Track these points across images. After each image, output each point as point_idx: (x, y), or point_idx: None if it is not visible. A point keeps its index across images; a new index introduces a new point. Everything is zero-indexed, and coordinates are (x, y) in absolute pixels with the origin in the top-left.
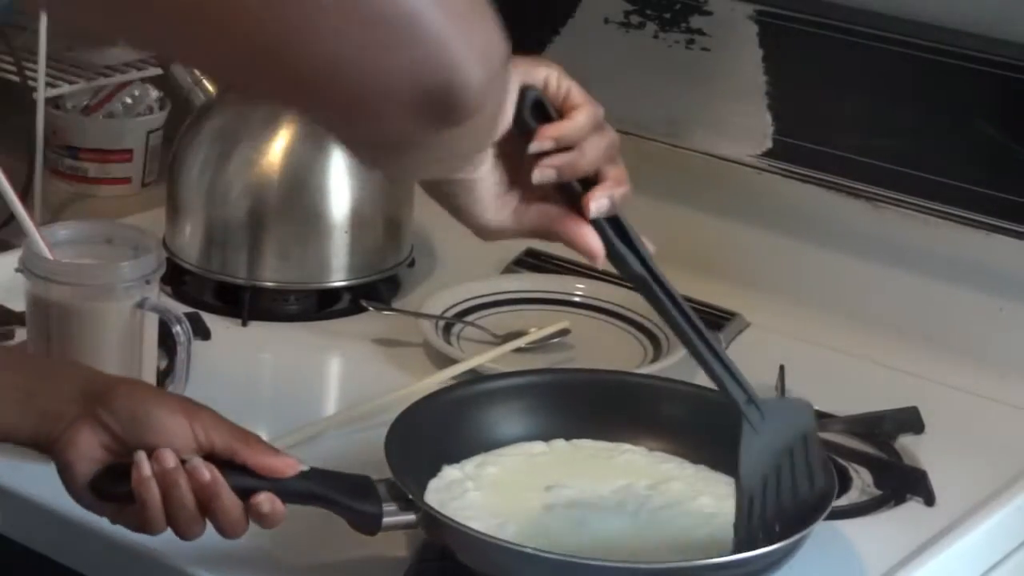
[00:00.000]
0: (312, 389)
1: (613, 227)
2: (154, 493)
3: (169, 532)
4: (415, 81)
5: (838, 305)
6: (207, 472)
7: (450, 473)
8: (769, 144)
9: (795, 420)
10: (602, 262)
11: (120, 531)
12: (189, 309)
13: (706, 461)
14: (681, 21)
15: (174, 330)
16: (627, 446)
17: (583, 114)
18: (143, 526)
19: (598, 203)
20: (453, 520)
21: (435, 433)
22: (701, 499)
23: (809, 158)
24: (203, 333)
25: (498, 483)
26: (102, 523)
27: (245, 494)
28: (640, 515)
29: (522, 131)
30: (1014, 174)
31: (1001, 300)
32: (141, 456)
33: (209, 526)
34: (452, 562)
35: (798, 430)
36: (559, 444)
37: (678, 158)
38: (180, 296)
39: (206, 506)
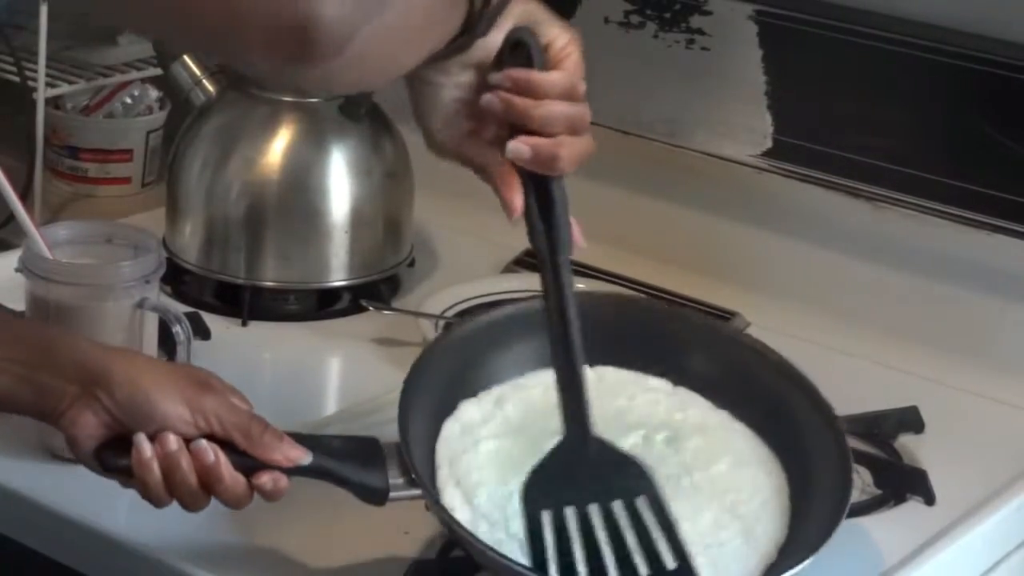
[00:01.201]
0: (312, 389)
1: (544, 197)
2: (155, 475)
3: (168, 531)
4: (268, 18)
5: (838, 305)
6: (211, 454)
7: (467, 411)
8: (769, 144)
9: (626, 475)
10: (513, 219)
11: (120, 531)
12: (189, 309)
13: (731, 408)
14: (681, 21)
15: (174, 330)
16: (652, 380)
17: (558, 75)
18: (147, 499)
19: (516, 147)
20: (457, 523)
21: (453, 366)
22: (717, 466)
23: (809, 158)
24: (203, 333)
25: (512, 428)
26: (102, 523)
27: (248, 471)
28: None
29: (498, 67)
30: (1014, 174)
31: (1001, 300)
32: (141, 439)
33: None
34: (453, 560)
35: (628, 488)
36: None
37: (678, 158)
38: (180, 296)
39: (209, 486)
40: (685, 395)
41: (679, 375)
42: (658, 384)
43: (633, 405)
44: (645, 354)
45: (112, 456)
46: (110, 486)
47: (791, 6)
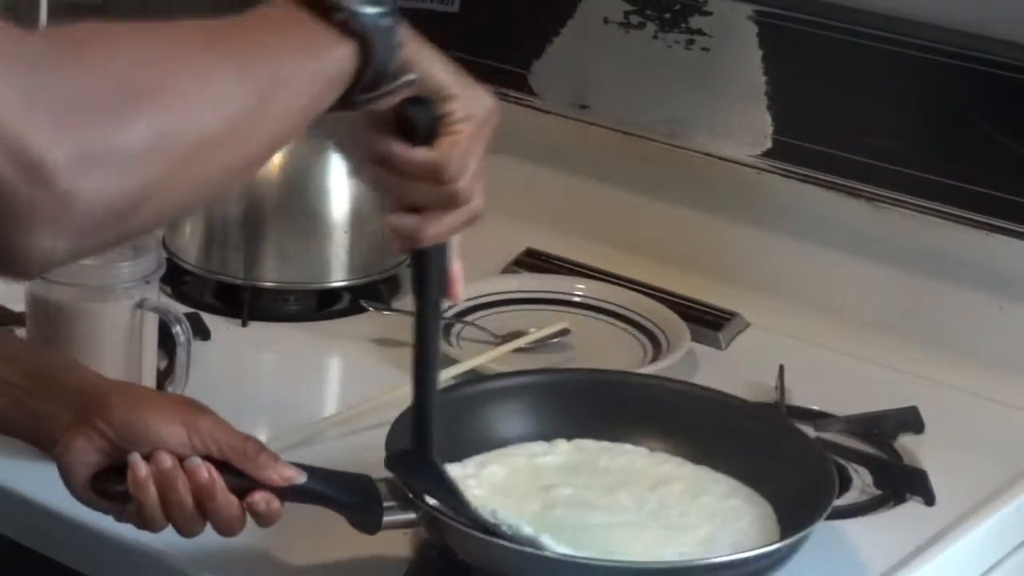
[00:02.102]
0: (312, 389)
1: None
2: (151, 494)
3: (169, 531)
4: None
5: (838, 305)
6: (205, 472)
7: (451, 471)
8: (769, 144)
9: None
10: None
11: (120, 531)
12: (189, 309)
13: (708, 462)
14: (681, 21)
15: (174, 330)
16: (629, 446)
17: (424, 155)
18: (143, 525)
19: (383, 219)
20: (453, 518)
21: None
22: (702, 499)
23: (809, 158)
24: (203, 333)
25: (499, 483)
26: (102, 523)
27: (242, 492)
28: (640, 515)
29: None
30: (1014, 174)
31: (1001, 300)
32: (136, 458)
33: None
34: (452, 561)
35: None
36: (561, 444)
37: (678, 158)
38: (180, 296)
39: (203, 506)
40: (661, 456)
41: (653, 441)
42: (634, 449)
43: (613, 466)
44: (619, 425)
45: (108, 482)
46: None
47: (791, 6)
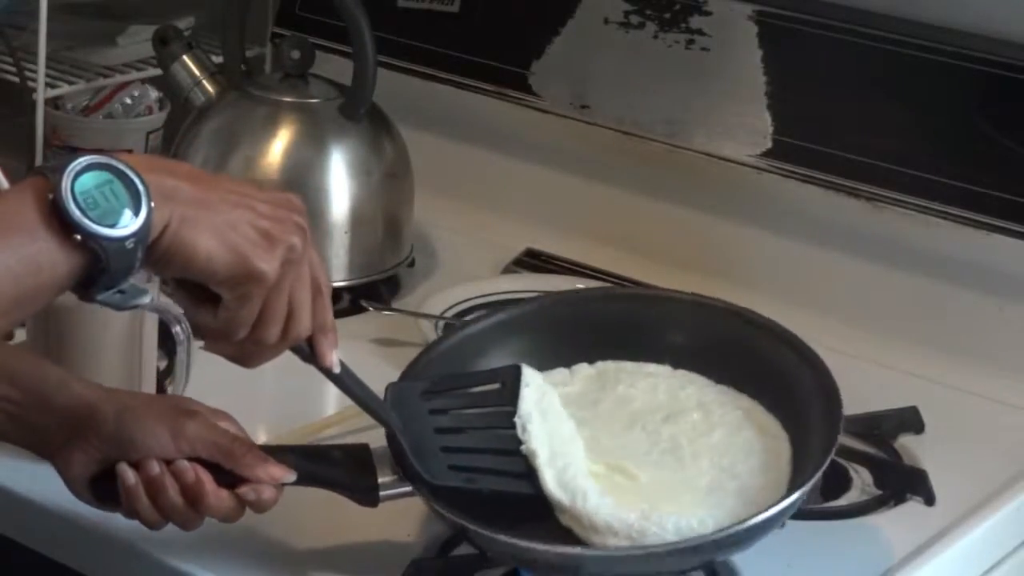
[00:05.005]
0: (312, 389)
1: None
2: (143, 501)
3: (169, 529)
4: None
5: (838, 305)
6: (192, 474)
7: None
8: (769, 144)
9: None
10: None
11: (120, 531)
12: None
13: (728, 380)
14: (681, 21)
15: (174, 330)
16: (651, 366)
17: (210, 323)
18: (145, 524)
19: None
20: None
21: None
22: (715, 434)
23: (809, 158)
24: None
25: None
26: (102, 523)
27: (234, 485)
28: (651, 455)
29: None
30: (1014, 174)
31: (1001, 300)
32: (123, 467)
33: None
34: (453, 559)
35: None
36: (582, 370)
37: (678, 158)
38: None
39: (195, 505)
40: (684, 376)
41: (676, 358)
42: (657, 369)
43: (633, 392)
44: (640, 343)
45: (106, 487)
46: None
47: (791, 6)
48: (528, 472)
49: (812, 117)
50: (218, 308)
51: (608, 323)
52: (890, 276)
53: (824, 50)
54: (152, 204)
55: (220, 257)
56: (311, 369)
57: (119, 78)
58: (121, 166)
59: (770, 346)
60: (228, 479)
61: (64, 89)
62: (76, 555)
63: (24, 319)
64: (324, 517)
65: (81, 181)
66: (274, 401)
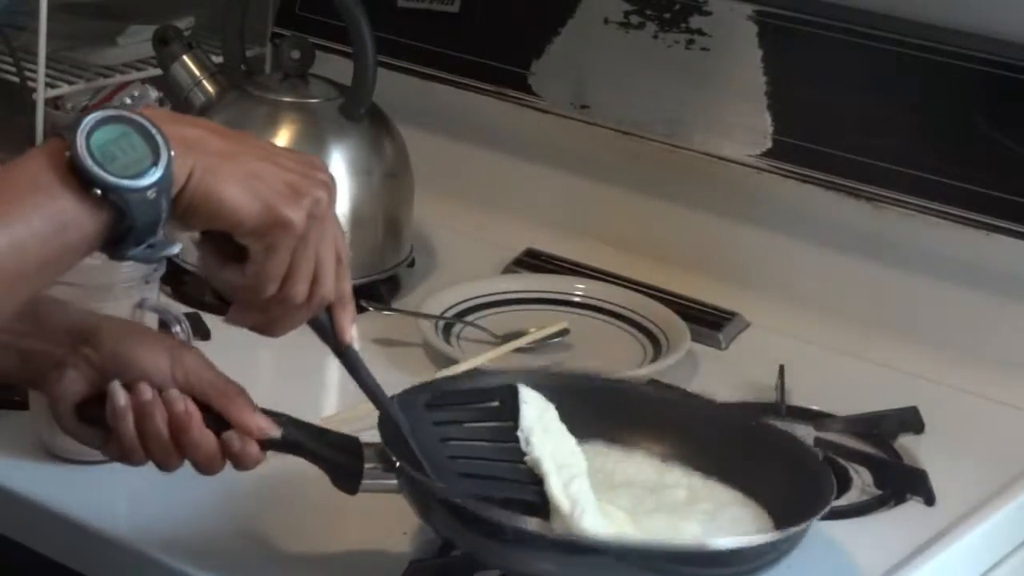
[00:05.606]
0: (312, 389)
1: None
2: (128, 423)
3: (169, 533)
4: None
5: (838, 305)
6: (182, 403)
7: None
8: (769, 144)
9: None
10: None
11: (120, 531)
12: (189, 309)
13: (716, 473)
14: (681, 21)
15: (174, 330)
16: (639, 455)
17: (236, 280)
18: (123, 456)
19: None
20: (435, 484)
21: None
22: (700, 506)
23: (809, 158)
24: (203, 333)
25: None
26: (102, 523)
27: (219, 430)
28: (635, 513)
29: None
30: (1014, 174)
31: (1001, 300)
32: (116, 386)
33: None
34: (452, 560)
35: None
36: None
37: (678, 158)
38: (180, 296)
39: (178, 438)
40: (672, 464)
41: (664, 451)
42: (644, 458)
43: (619, 467)
44: (631, 433)
45: (91, 408)
46: (110, 486)
47: (791, 6)
48: (533, 480)
49: (812, 117)
50: (245, 266)
51: (599, 409)
52: (890, 276)
53: (824, 50)
54: (172, 153)
55: (247, 206)
56: (310, 370)
57: (119, 78)
58: (137, 117)
59: (772, 449)
60: (216, 426)
61: (64, 89)
62: (76, 555)
63: (51, 283)
64: (323, 518)
65: (97, 136)
66: (274, 402)
